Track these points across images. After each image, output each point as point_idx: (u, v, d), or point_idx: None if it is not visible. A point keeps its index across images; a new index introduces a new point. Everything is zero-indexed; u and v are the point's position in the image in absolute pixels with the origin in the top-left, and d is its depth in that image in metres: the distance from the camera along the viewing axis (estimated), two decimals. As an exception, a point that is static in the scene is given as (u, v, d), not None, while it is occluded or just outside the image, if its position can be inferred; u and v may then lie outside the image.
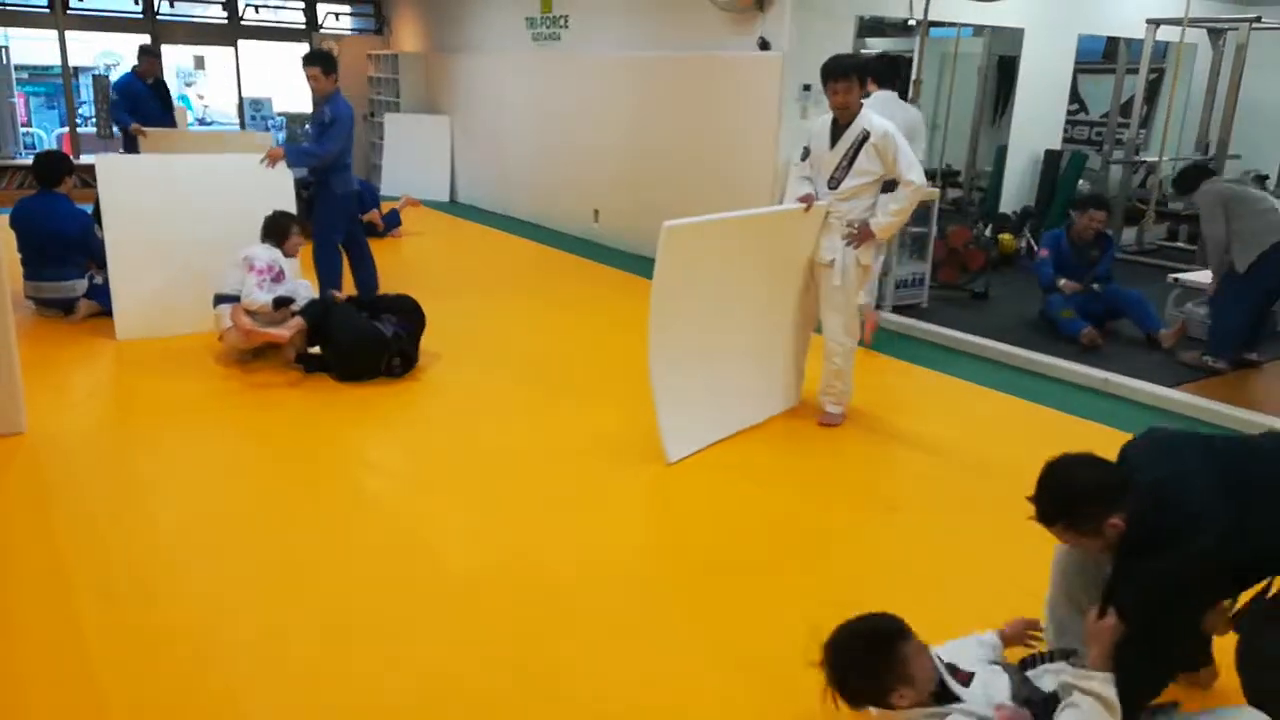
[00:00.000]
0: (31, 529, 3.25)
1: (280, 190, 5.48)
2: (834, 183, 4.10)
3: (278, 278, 4.95)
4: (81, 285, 5.65)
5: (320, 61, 5.56)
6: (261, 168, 5.42)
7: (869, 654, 2.09)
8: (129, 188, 5.28)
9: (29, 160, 10.71)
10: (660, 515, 3.57)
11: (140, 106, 8.20)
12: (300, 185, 5.84)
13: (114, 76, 9.42)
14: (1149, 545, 2.07)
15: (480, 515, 3.49)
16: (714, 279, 3.99)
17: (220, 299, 4.91)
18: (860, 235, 4.10)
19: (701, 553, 3.28)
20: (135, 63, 8.40)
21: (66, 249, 5.57)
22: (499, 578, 3.05)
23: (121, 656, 2.58)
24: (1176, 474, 2.12)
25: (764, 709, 2.46)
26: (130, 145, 8.13)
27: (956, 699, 2.11)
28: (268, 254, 4.97)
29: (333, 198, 5.71)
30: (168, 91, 8.79)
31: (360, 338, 4.77)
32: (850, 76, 3.93)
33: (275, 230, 5.09)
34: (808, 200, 4.15)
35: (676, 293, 3.84)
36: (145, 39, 11.27)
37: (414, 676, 2.53)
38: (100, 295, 5.59)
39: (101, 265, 5.56)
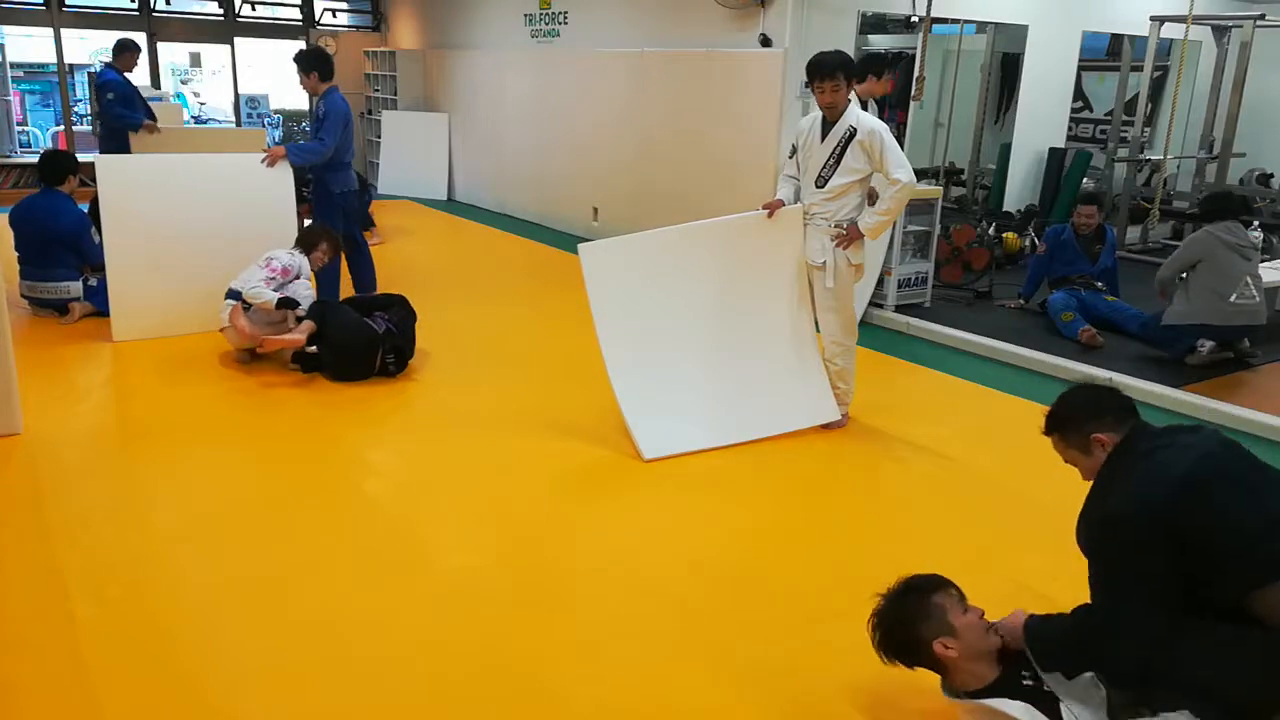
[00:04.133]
0: (27, 530, 3.21)
1: (280, 189, 5.44)
2: (821, 181, 4.05)
3: (295, 279, 4.92)
4: (76, 288, 5.59)
5: (297, 61, 5.57)
6: (262, 167, 5.39)
7: (900, 602, 2.21)
8: (129, 187, 5.23)
9: (25, 159, 10.68)
10: (658, 515, 3.52)
11: (133, 103, 7.72)
12: (301, 182, 5.80)
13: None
14: (1104, 486, 2.16)
15: (477, 515, 3.46)
16: (660, 291, 4.04)
17: (231, 293, 4.87)
18: (849, 236, 4.05)
19: (698, 553, 3.24)
20: (112, 58, 7.71)
21: (58, 248, 5.51)
22: (497, 578, 3.02)
23: (116, 659, 2.54)
24: (1177, 441, 2.15)
25: (763, 712, 2.41)
26: (111, 144, 7.55)
27: (1032, 674, 2.16)
28: (290, 259, 4.94)
29: (330, 196, 5.67)
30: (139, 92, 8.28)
31: (354, 335, 4.72)
32: (836, 75, 3.89)
33: (306, 241, 5.12)
34: (771, 207, 4.12)
35: (617, 307, 3.95)
36: (140, 36, 11.21)
37: (411, 677, 2.50)
38: (95, 297, 5.54)
39: (95, 268, 5.51)
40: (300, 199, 5.73)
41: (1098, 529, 2.12)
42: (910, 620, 2.18)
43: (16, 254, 5.61)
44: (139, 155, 7.06)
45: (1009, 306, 6.39)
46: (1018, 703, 2.11)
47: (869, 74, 5.68)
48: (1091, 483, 2.26)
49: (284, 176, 5.49)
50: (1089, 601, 2.17)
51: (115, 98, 7.44)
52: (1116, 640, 2.07)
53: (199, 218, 5.30)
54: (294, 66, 5.60)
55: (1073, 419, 2.28)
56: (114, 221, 5.16)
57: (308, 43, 12.12)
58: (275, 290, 4.78)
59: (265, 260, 4.88)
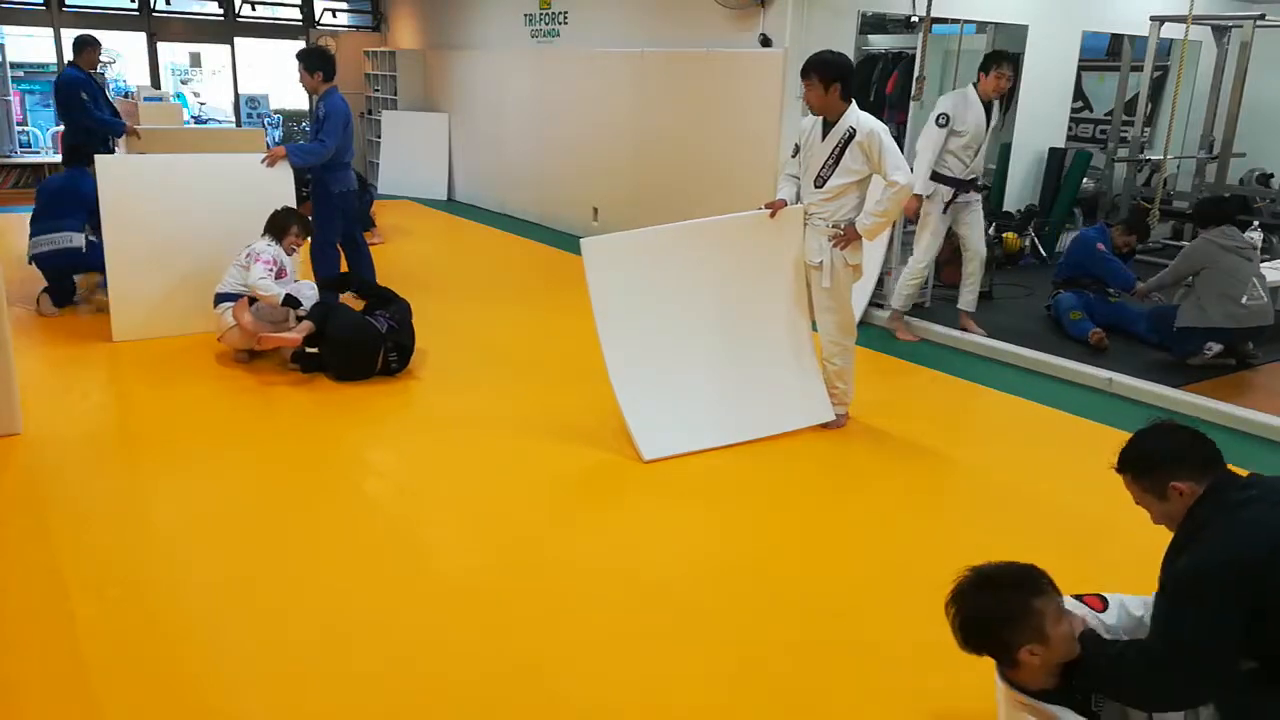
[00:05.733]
0: (27, 530, 3.21)
1: (280, 189, 5.44)
2: (820, 181, 4.05)
3: (280, 274, 4.92)
4: (79, 239, 5.64)
5: (302, 59, 5.58)
6: (262, 167, 5.40)
7: (999, 597, 2.01)
8: (129, 188, 5.22)
9: (25, 159, 10.69)
10: (658, 516, 3.52)
11: (98, 102, 7.30)
12: (300, 181, 5.81)
13: (110, 75, 8.50)
14: (1190, 535, 2.03)
15: (477, 516, 3.46)
16: (661, 288, 4.04)
17: (221, 298, 4.87)
18: (846, 236, 4.05)
19: (698, 553, 3.24)
20: (74, 56, 7.26)
21: (75, 203, 5.67)
22: (497, 578, 3.02)
23: (116, 659, 2.54)
24: (1269, 494, 2.03)
25: (763, 710, 2.41)
26: (84, 147, 6.65)
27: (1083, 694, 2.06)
28: (271, 249, 4.95)
29: (329, 197, 5.67)
30: (104, 89, 7.83)
31: (356, 335, 4.73)
32: (809, 75, 3.90)
33: (275, 226, 5.06)
34: (774, 206, 4.11)
35: (618, 302, 3.95)
36: (140, 36, 11.22)
37: (411, 677, 2.50)
38: (96, 253, 5.52)
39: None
40: (300, 199, 5.74)
41: (1183, 578, 2.03)
42: (1006, 619, 1.99)
43: (31, 221, 5.75)
44: (139, 155, 7.04)
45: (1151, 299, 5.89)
46: (1072, 714, 2.03)
47: (978, 71, 5.55)
48: (1169, 528, 2.16)
49: (284, 177, 5.49)
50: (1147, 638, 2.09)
51: (87, 97, 7.10)
52: (1171, 678, 1.98)
53: (199, 218, 5.31)
54: (296, 64, 5.61)
55: (1150, 462, 2.13)
56: (114, 221, 5.16)
57: (308, 42, 12.13)
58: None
59: (249, 256, 4.88)
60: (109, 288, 5.29)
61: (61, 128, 7.63)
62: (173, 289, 5.29)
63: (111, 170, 5.25)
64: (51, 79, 11.28)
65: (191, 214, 5.30)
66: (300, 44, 12.36)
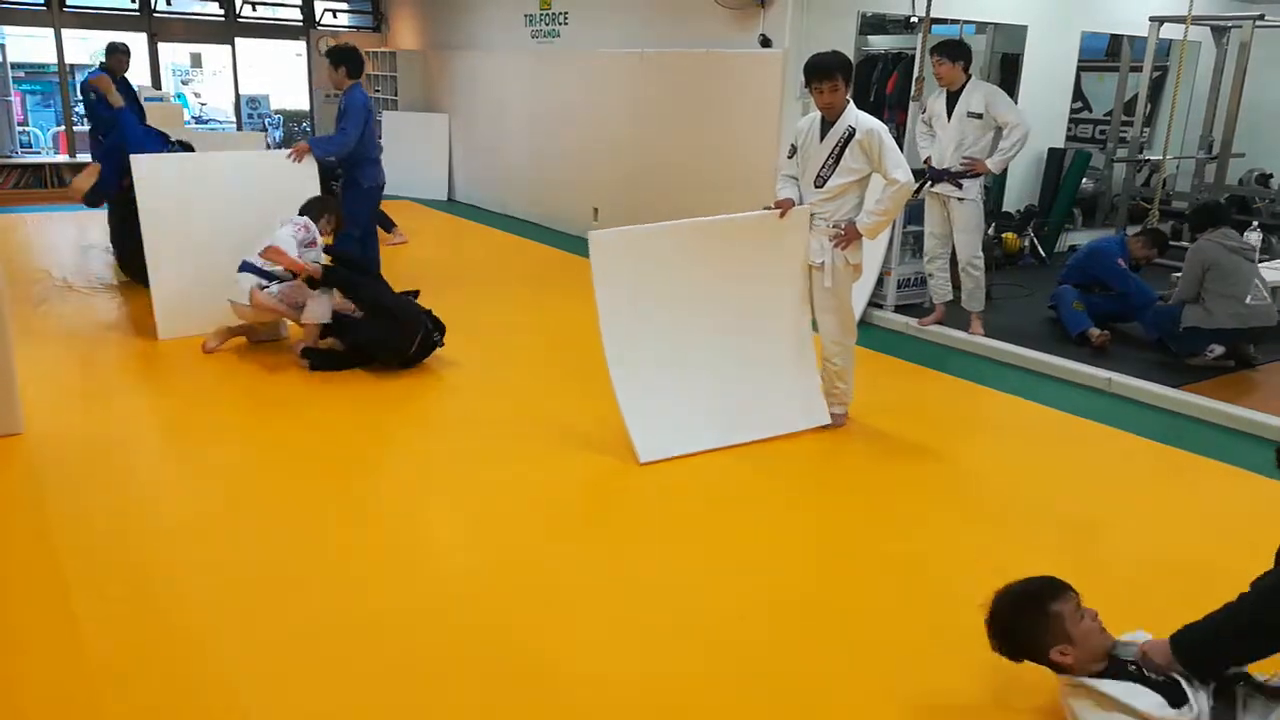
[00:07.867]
0: (28, 530, 3.21)
1: (306, 183, 5.50)
2: (820, 181, 4.05)
3: (310, 245, 4.95)
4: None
5: (329, 56, 5.76)
6: (289, 163, 5.48)
7: (1018, 611, 2.26)
8: (164, 186, 5.23)
9: (27, 159, 10.70)
10: (658, 515, 3.52)
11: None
12: (330, 176, 5.86)
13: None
14: None
15: (478, 516, 3.46)
16: (667, 285, 4.02)
17: (245, 266, 4.90)
18: (846, 235, 4.05)
19: (697, 553, 3.24)
20: (105, 59, 7.51)
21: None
22: (498, 578, 3.02)
23: (117, 659, 2.54)
24: None
25: (763, 709, 2.42)
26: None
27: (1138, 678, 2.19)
28: (304, 220, 5.04)
29: (360, 191, 5.78)
30: (134, 91, 8.03)
31: (399, 307, 4.83)
32: (835, 76, 3.89)
33: (312, 208, 5.16)
34: (783, 206, 4.10)
35: (622, 298, 3.93)
36: (141, 36, 11.22)
37: (413, 677, 2.50)
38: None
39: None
40: (329, 194, 5.79)
41: None
42: (1029, 630, 2.24)
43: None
44: (170, 154, 7.05)
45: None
46: (1120, 683, 2.17)
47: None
48: None
49: (309, 171, 5.54)
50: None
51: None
52: None
53: (228, 215, 5.28)
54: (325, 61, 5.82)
55: None
56: (150, 220, 5.17)
57: (308, 43, 12.20)
58: (296, 248, 4.88)
59: (282, 221, 5.00)
60: (152, 289, 5.26)
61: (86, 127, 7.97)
62: (205, 287, 5.18)
63: (146, 169, 5.23)
64: (53, 79, 11.32)
65: (221, 211, 5.29)
66: (301, 44, 12.45)
